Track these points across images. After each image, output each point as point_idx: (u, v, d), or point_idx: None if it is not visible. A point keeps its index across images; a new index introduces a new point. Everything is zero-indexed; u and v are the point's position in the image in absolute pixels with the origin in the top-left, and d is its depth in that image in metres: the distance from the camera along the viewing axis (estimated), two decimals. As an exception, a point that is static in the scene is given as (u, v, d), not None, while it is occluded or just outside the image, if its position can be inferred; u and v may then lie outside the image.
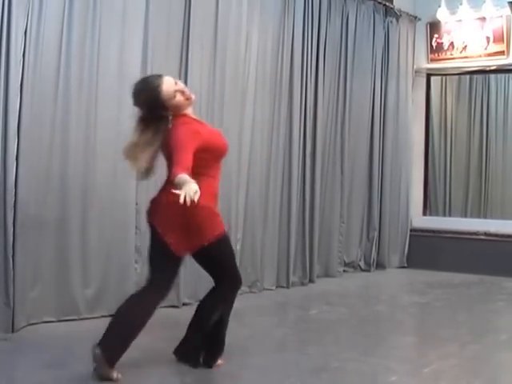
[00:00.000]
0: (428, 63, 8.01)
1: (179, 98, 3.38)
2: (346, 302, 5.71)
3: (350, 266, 7.25)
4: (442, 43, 7.88)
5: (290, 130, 6.19)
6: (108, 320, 4.45)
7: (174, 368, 3.50)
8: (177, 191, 2.97)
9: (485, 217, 8.04)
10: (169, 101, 3.35)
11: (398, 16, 7.70)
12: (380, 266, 7.56)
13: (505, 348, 4.27)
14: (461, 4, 7.60)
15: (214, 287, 3.52)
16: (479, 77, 8.11)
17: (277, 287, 6.06)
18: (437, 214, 8.22)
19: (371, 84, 7.36)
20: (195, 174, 3.14)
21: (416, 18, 7.97)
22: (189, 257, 3.53)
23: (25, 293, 4.13)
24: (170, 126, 3.37)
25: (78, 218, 4.47)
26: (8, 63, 3.98)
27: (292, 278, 6.18)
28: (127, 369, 3.46)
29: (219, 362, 3.54)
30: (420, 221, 7.98)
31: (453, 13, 7.69)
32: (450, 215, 8.26)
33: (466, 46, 7.71)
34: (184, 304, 4.99)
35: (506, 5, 7.29)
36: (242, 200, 5.62)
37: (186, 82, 4.72)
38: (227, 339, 3.56)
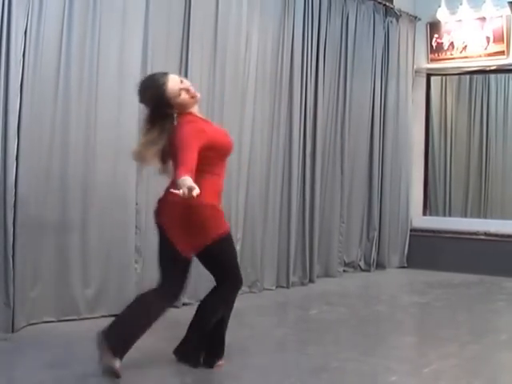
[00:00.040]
0: (428, 63, 8.01)
1: (184, 96, 3.39)
2: (345, 302, 5.72)
3: (350, 265, 7.26)
4: (442, 43, 7.88)
5: (289, 129, 6.19)
6: (108, 320, 4.48)
7: (173, 368, 3.50)
8: (175, 191, 2.99)
9: (485, 217, 8.04)
10: (174, 99, 3.35)
11: (398, 16, 7.70)
12: (380, 265, 7.56)
13: (505, 348, 4.27)
14: (461, 4, 7.60)
15: (214, 287, 3.52)
16: (479, 77, 8.11)
17: (277, 287, 6.06)
18: (437, 214, 8.22)
19: (371, 84, 7.36)
20: (200, 172, 3.16)
21: (416, 17, 7.97)
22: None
23: (25, 293, 4.13)
24: (176, 123, 3.37)
25: (77, 218, 4.47)
26: (8, 63, 3.98)
27: (292, 278, 6.18)
28: (127, 369, 3.46)
29: (220, 362, 3.54)
30: (420, 221, 7.98)
31: (453, 13, 7.69)
32: (450, 215, 8.26)
33: (466, 46, 7.71)
34: (184, 304, 4.98)
35: (506, 5, 7.29)
36: (241, 200, 5.62)
37: (186, 82, 4.72)
38: (227, 339, 3.56)
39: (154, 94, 3.36)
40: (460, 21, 7.70)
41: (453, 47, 7.80)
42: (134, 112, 4.75)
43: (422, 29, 7.99)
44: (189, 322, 3.54)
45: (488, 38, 7.53)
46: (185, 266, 3.47)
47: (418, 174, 8.10)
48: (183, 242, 3.36)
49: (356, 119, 7.15)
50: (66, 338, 4.03)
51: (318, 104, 6.54)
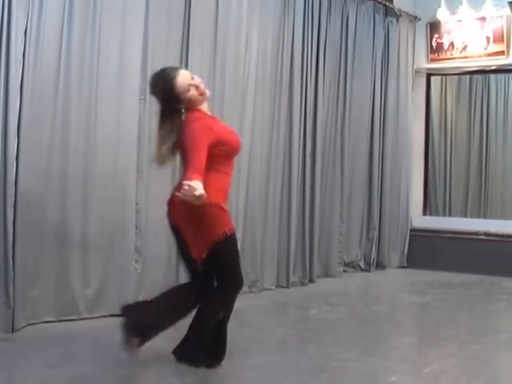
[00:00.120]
0: (428, 63, 8.01)
1: (193, 92, 3.41)
2: (345, 301, 5.72)
3: (350, 265, 7.25)
4: (442, 43, 7.88)
5: (289, 129, 6.19)
6: (108, 320, 4.49)
7: (173, 368, 3.50)
8: (179, 194, 3.04)
9: (485, 217, 8.04)
10: (183, 94, 3.38)
11: (398, 16, 7.70)
12: (380, 265, 7.56)
13: (505, 348, 4.27)
14: (461, 4, 7.60)
15: (215, 287, 3.52)
16: (479, 77, 8.11)
17: (277, 287, 6.06)
18: (437, 214, 8.22)
19: (371, 84, 7.36)
20: (206, 170, 3.20)
21: (416, 17, 7.97)
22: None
23: (25, 293, 4.12)
24: (183, 119, 3.40)
25: (77, 217, 4.47)
26: (8, 63, 3.98)
27: (292, 278, 6.18)
28: (127, 369, 3.47)
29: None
30: (420, 221, 7.98)
31: (453, 13, 7.69)
32: (450, 215, 8.26)
33: (466, 46, 7.71)
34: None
35: (506, 5, 7.29)
36: (241, 200, 5.62)
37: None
38: (227, 339, 3.56)
39: (163, 87, 3.40)
40: (460, 21, 7.70)
41: (453, 47, 7.80)
42: (134, 112, 4.76)
43: (422, 29, 7.99)
44: (189, 322, 3.54)
45: (488, 38, 7.53)
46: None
47: (418, 173, 8.10)
48: (194, 245, 3.40)
49: (356, 119, 7.15)
50: (65, 338, 4.03)
51: (318, 104, 6.54)
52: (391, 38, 7.59)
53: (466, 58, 7.72)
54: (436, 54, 7.93)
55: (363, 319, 5.05)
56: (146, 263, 4.85)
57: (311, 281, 6.44)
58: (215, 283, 3.52)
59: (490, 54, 7.55)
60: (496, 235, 7.38)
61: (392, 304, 5.74)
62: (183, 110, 3.43)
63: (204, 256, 3.39)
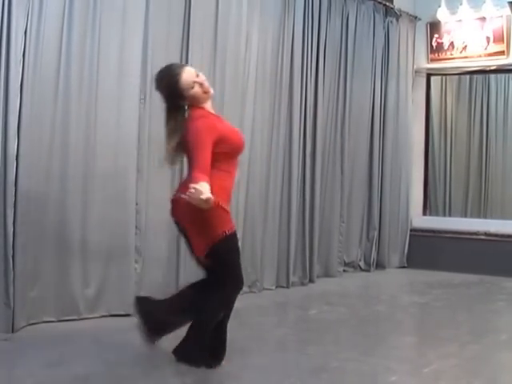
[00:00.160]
0: (428, 63, 8.01)
1: (197, 89, 3.42)
2: (345, 301, 5.71)
3: (350, 265, 7.25)
4: (442, 43, 7.88)
5: (289, 129, 6.19)
6: (108, 320, 4.49)
7: (174, 368, 3.50)
8: (184, 196, 3.07)
9: (485, 217, 8.04)
10: (187, 90, 3.39)
11: (398, 16, 7.70)
12: (380, 265, 7.56)
13: (505, 348, 4.27)
14: (461, 4, 7.60)
15: (216, 287, 3.52)
16: (479, 77, 8.11)
17: (277, 287, 6.05)
18: (437, 214, 8.22)
19: (371, 84, 7.36)
20: (210, 168, 3.22)
21: (416, 17, 7.97)
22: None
23: (25, 293, 4.12)
24: (187, 116, 3.42)
25: (77, 218, 4.47)
26: (8, 63, 3.98)
27: (292, 278, 6.18)
28: (127, 369, 3.47)
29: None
30: (420, 221, 7.98)
31: (453, 13, 7.69)
32: (450, 215, 8.26)
33: (466, 46, 7.72)
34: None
35: (506, 5, 7.30)
36: (241, 200, 5.62)
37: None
38: (227, 339, 3.56)
39: (168, 83, 3.42)
40: (460, 21, 7.70)
41: (453, 47, 7.80)
42: (134, 112, 4.76)
43: (422, 29, 7.99)
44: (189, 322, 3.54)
45: (488, 38, 7.53)
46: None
47: (418, 173, 8.10)
48: (195, 244, 3.43)
49: (356, 119, 7.15)
50: (65, 338, 4.03)
51: (318, 104, 6.54)
52: (391, 38, 7.59)
53: (466, 58, 7.72)
54: (436, 54, 7.93)
55: (363, 319, 5.05)
56: (145, 263, 4.85)
57: (311, 281, 6.44)
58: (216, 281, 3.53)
59: (490, 54, 7.55)
60: (496, 235, 7.38)
61: (392, 304, 5.74)
62: (186, 107, 3.44)
63: (204, 255, 3.40)
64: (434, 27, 7.91)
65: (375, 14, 7.38)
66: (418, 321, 5.44)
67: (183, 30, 5.12)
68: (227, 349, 3.57)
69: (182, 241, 4.90)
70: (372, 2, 7.31)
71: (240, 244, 5.50)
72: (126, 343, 3.96)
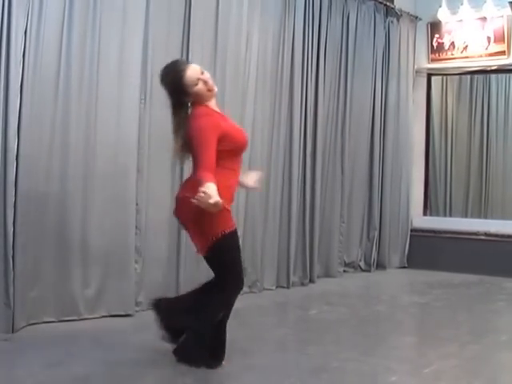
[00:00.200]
0: (429, 63, 8.01)
1: (201, 86, 3.42)
2: (346, 302, 5.71)
3: (351, 266, 7.25)
4: (443, 43, 7.88)
5: (290, 129, 6.18)
6: (108, 320, 4.49)
7: (174, 368, 3.49)
8: (194, 200, 3.09)
9: (485, 217, 8.04)
10: (190, 87, 3.40)
11: (398, 16, 7.69)
12: (380, 266, 7.55)
13: (505, 348, 4.26)
14: (461, 4, 7.60)
15: (216, 287, 3.52)
16: (480, 77, 8.11)
17: (277, 287, 6.05)
18: (437, 214, 8.22)
19: (372, 84, 7.35)
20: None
21: (417, 17, 7.97)
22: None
23: (25, 293, 4.12)
24: (190, 113, 3.44)
25: (77, 218, 4.47)
26: (8, 63, 3.98)
27: (292, 278, 6.18)
28: (127, 369, 3.47)
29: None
30: (420, 221, 7.97)
31: (453, 13, 7.69)
32: (450, 215, 8.26)
33: (466, 46, 7.71)
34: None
35: (507, 5, 7.29)
36: (242, 200, 5.62)
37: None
38: (227, 339, 3.55)
39: (172, 78, 3.42)
40: (461, 21, 7.70)
41: (453, 47, 7.80)
42: (134, 112, 4.76)
43: (422, 29, 7.98)
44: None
45: (489, 38, 7.53)
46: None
47: (419, 173, 8.10)
48: (195, 242, 3.45)
49: (356, 119, 7.15)
50: (66, 338, 4.03)
51: (318, 104, 6.53)
52: (392, 38, 7.59)
53: (466, 57, 7.72)
54: (437, 54, 7.93)
55: (363, 319, 5.05)
56: (146, 263, 4.85)
57: (311, 281, 6.44)
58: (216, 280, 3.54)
59: (490, 54, 7.54)
60: (496, 235, 7.37)
61: (392, 304, 5.73)
62: (189, 104, 3.46)
63: (205, 254, 3.41)
64: (434, 27, 7.90)
65: (376, 13, 7.38)
66: (418, 321, 5.44)
67: (183, 30, 5.12)
68: (227, 349, 3.56)
69: (182, 241, 4.95)
70: (373, 1, 7.31)
71: (240, 244, 5.54)
72: (126, 343, 3.97)
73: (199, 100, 3.44)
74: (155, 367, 3.52)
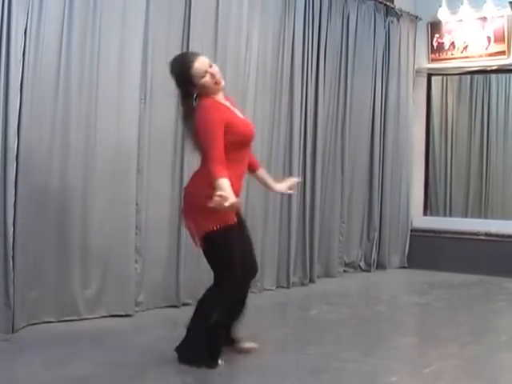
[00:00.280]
0: (429, 63, 8.00)
1: (208, 79, 3.45)
2: (346, 302, 5.71)
3: (351, 266, 7.25)
4: (443, 43, 7.87)
5: (290, 130, 6.18)
6: (108, 320, 4.49)
7: (174, 368, 3.49)
8: (211, 204, 3.13)
9: (485, 217, 8.04)
10: (197, 78, 3.43)
11: (398, 16, 7.69)
12: (380, 266, 7.55)
13: (505, 348, 4.26)
14: (462, 4, 7.60)
15: (214, 285, 3.52)
16: (480, 77, 8.10)
17: (277, 287, 6.05)
18: (437, 215, 8.21)
19: (372, 84, 7.35)
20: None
21: (417, 17, 7.96)
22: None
23: (25, 293, 4.12)
24: (195, 105, 3.47)
25: (77, 218, 4.46)
26: (8, 63, 3.97)
27: (292, 279, 6.17)
28: (127, 369, 3.46)
29: (220, 362, 3.53)
30: (420, 221, 7.97)
31: (454, 13, 7.68)
32: (450, 215, 8.25)
33: (466, 46, 7.71)
34: (184, 304, 4.98)
35: (507, 5, 7.29)
36: (242, 199, 5.59)
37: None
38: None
39: (180, 68, 3.46)
40: (461, 21, 7.69)
41: (454, 47, 7.79)
42: (134, 112, 4.75)
43: (422, 28, 7.98)
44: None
45: (489, 38, 7.53)
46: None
47: (419, 173, 8.09)
48: (191, 235, 3.49)
49: (356, 119, 7.14)
50: (65, 338, 4.03)
51: (318, 104, 6.53)
52: (392, 38, 7.58)
53: (466, 57, 7.71)
54: (437, 54, 7.93)
55: (364, 319, 5.05)
56: (145, 263, 4.85)
57: (311, 281, 6.44)
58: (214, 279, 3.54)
59: (490, 54, 7.54)
60: (496, 235, 7.37)
61: (392, 304, 5.73)
62: (195, 96, 3.48)
63: (201, 247, 3.46)
64: (434, 27, 7.90)
65: (376, 13, 7.37)
66: (419, 321, 5.44)
67: (183, 30, 5.11)
68: (227, 349, 3.56)
69: (182, 241, 4.95)
70: (373, 1, 7.30)
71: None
72: (126, 343, 3.97)
73: (206, 92, 3.47)
74: (155, 367, 3.51)
